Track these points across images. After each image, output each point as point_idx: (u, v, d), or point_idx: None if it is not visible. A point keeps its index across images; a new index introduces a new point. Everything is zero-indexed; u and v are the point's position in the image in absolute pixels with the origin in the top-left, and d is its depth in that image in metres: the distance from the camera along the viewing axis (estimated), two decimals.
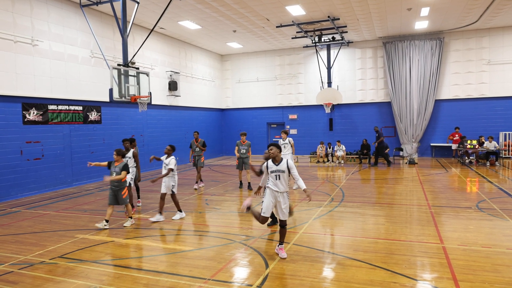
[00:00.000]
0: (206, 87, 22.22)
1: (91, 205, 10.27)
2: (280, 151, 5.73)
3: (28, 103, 11.70)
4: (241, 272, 5.37)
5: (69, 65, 13.09)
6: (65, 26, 12.92)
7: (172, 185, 8.31)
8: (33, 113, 11.86)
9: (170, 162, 8.20)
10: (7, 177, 11.15)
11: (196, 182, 12.44)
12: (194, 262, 5.84)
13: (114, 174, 7.73)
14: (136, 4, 12.44)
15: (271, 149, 5.65)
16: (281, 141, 11.65)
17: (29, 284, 5.14)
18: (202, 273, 5.35)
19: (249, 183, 12.19)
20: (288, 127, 22.84)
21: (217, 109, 23.73)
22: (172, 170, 8.19)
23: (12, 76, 11.20)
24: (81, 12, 13.17)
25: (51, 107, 12.44)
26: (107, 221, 7.77)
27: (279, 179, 5.66)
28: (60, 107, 12.78)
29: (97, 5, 13.15)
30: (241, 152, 11.91)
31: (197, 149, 12.20)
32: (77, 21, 13.35)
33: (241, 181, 12.33)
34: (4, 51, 10.95)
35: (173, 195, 8.39)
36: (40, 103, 12.08)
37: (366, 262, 5.57)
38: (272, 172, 5.68)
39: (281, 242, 5.86)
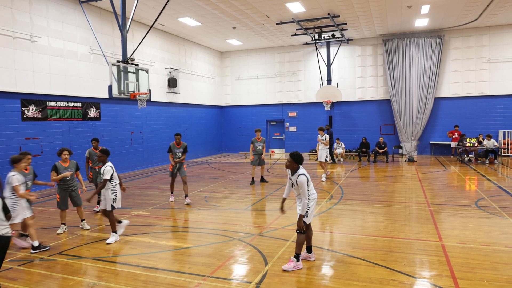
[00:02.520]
0: (206, 84, 22.18)
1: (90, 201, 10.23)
2: (297, 163, 5.29)
3: (27, 99, 11.66)
4: (240, 269, 5.37)
5: (68, 61, 13.05)
6: (64, 22, 12.86)
7: (113, 199, 6.87)
8: (32, 109, 11.83)
9: (105, 171, 6.80)
10: (6, 173, 11.10)
11: (186, 196, 9.97)
12: (193, 259, 5.84)
13: (70, 175, 7.33)
14: (136, 0, 12.39)
15: (287, 160, 5.42)
16: (319, 137, 13.06)
17: (28, 280, 5.14)
18: (201, 270, 5.35)
19: (262, 176, 12.78)
20: (287, 124, 22.82)
21: (217, 106, 23.70)
22: (108, 180, 6.81)
23: (11, 72, 11.16)
24: (80, 8, 13.13)
25: (50, 103, 12.41)
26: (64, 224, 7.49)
27: (293, 187, 5.43)
28: (59, 104, 12.74)
29: (96, 1, 13.10)
30: (258, 149, 12.34)
31: (179, 154, 10.15)
32: (76, 17, 13.29)
33: (253, 178, 12.46)
34: (3, 47, 10.91)
35: (110, 211, 6.85)
36: (39, 100, 12.05)
37: (365, 260, 5.58)
38: (289, 179, 5.50)
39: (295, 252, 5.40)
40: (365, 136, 19.74)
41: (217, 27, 17.59)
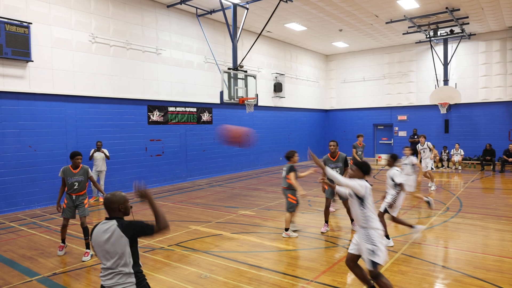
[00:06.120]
0: (310, 88, 22.21)
1: (202, 199, 11.12)
2: (364, 173, 4.48)
3: (152, 105, 13.20)
4: (343, 277, 5.25)
5: (186, 70, 14.37)
6: (183, 35, 14.22)
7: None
8: (156, 114, 13.33)
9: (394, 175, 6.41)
10: (134, 170, 12.73)
11: (326, 222, 7.78)
12: (296, 262, 5.90)
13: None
14: (246, 10, 13.07)
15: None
16: (419, 146, 12.47)
17: (151, 266, 5.80)
18: (304, 273, 5.38)
19: None
20: (396, 128, 21.50)
21: (321, 110, 23.52)
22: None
23: (140, 82, 12.76)
24: (197, 21, 14.36)
25: (170, 109, 13.83)
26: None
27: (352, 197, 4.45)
28: (177, 109, 14.12)
29: (211, 14, 14.19)
30: (359, 153, 12.33)
31: (335, 170, 8.02)
32: (193, 29, 14.57)
33: None
34: (135, 60, 12.54)
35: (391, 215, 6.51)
36: (161, 105, 13.53)
37: (489, 282, 4.95)
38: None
39: None
40: (489, 143, 17.48)
41: (323, 30, 17.48)
